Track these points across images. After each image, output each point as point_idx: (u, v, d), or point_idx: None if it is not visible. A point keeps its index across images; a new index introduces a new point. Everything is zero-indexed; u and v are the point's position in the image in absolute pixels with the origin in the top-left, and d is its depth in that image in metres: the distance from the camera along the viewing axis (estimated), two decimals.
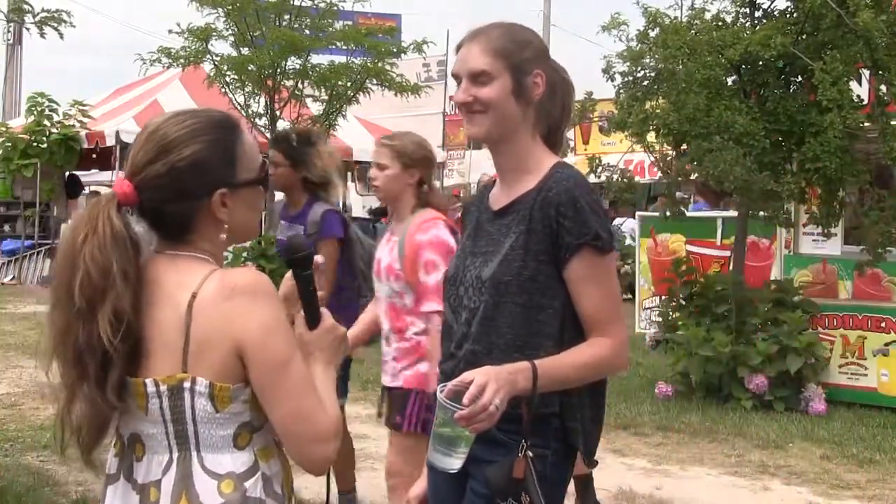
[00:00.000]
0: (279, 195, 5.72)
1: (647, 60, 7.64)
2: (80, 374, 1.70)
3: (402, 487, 3.63)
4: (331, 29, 13.18)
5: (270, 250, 9.93)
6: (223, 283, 1.71)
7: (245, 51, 12.58)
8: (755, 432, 6.56)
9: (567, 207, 2.12)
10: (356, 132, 17.80)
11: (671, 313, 8.12)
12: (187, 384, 1.70)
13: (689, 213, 9.52)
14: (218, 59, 12.53)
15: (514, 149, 2.25)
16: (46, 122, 16.93)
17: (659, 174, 8.31)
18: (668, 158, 8.04)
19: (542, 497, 2.06)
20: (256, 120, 12.55)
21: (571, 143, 18.06)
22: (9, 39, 29.97)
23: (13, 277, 16.93)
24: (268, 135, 11.75)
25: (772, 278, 8.28)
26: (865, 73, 7.12)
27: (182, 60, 12.43)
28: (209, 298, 1.70)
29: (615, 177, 7.96)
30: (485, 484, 2.11)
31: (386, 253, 3.70)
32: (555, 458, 2.17)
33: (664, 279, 8.57)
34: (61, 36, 31.09)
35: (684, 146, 7.50)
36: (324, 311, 1.90)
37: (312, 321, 1.87)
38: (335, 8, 13.02)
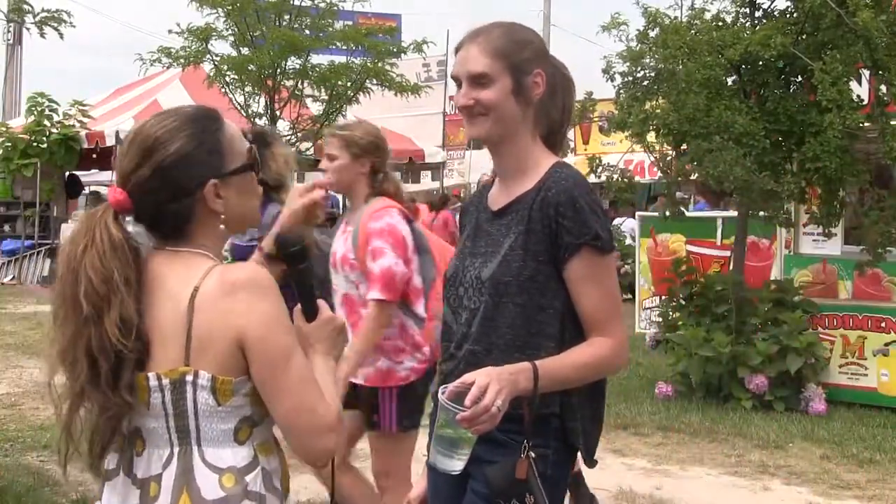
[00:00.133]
0: None
1: (647, 60, 7.64)
2: (93, 378, 1.71)
3: (394, 487, 3.63)
4: (331, 29, 13.19)
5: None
6: (224, 278, 1.73)
7: (245, 51, 12.59)
8: (755, 432, 6.56)
9: (566, 207, 2.12)
10: None
11: (671, 313, 8.12)
12: (189, 377, 1.71)
13: (689, 213, 9.53)
14: (218, 59, 12.54)
15: (514, 149, 2.25)
16: (46, 122, 16.95)
17: (659, 174, 8.30)
18: (668, 158, 8.04)
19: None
20: (256, 120, 12.55)
21: (571, 144, 18.07)
22: (9, 39, 30.00)
23: (13, 277, 16.94)
24: None
25: (772, 278, 8.27)
26: (865, 73, 7.11)
27: (182, 60, 12.44)
28: (211, 293, 1.71)
29: (615, 177, 7.95)
30: (485, 484, 2.11)
31: (341, 244, 3.66)
32: (555, 458, 2.17)
33: (664, 279, 8.57)
34: (61, 36, 31.16)
35: (684, 146, 7.49)
36: (321, 302, 1.92)
37: (310, 313, 1.90)
38: (335, 8, 13.03)
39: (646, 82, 7.72)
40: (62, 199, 17.79)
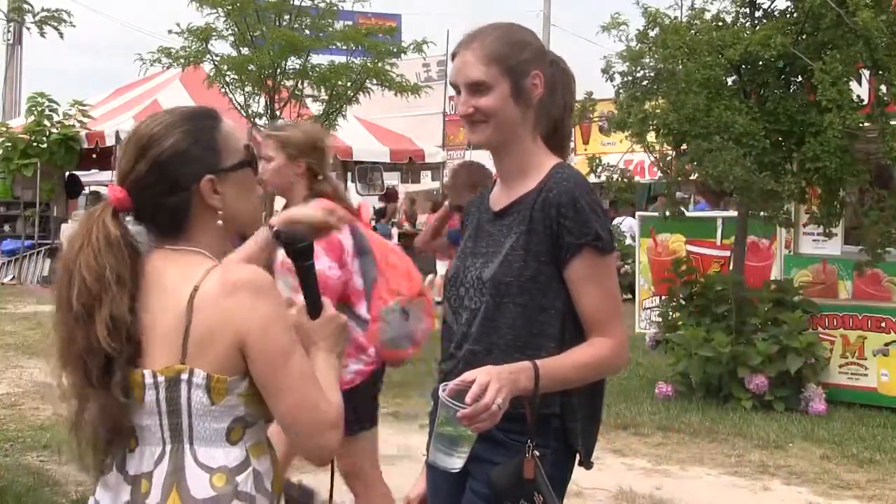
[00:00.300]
0: None
1: (647, 60, 7.64)
2: (86, 378, 1.73)
3: (364, 493, 3.62)
4: (331, 29, 13.17)
5: None
6: (225, 278, 1.74)
7: (245, 51, 12.57)
8: (755, 432, 6.56)
9: (567, 208, 2.12)
10: (356, 132, 17.81)
11: (671, 313, 8.12)
12: (185, 376, 1.73)
13: (689, 213, 9.53)
14: (218, 59, 12.52)
15: (515, 151, 2.25)
16: (46, 122, 16.94)
17: (659, 174, 8.30)
18: (668, 158, 8.04)
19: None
20: (256, 120, 12.54)
21: (571, 144, 18.07)
22: (9, 39, 30.01)
23: (13, 277, 16.94)
24: None
25: (772, 278, 8.27)
26: (865, 73, 7.11)
27: (182, 60, 12.41)
28: (211, 293, 1.73)
29: (615, 177, 7.95)
30: (488, 485, 2.11)
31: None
32: (555, 458, 2.17)
33: (664, 279, 8.57)
34: (61, 35, 31.18)
35: (684, 146, 7.49)
36: (325, 300, 1.93)
37: (314, 310, 1.92)
38: (335, 8, 13.00)
39: (645, 82, 7.72)
40: (62, 199, 17.79)
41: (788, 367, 7.16)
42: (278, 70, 12.43)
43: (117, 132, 15.44)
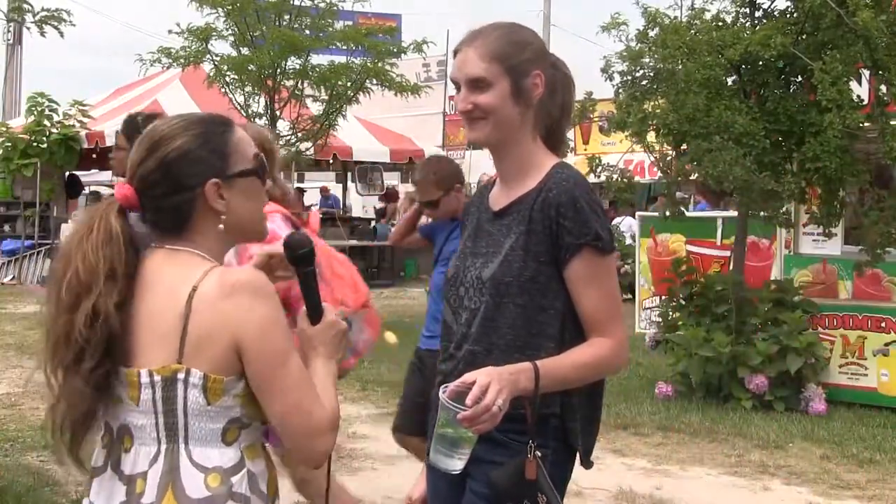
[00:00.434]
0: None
1: (647, 60, 7.64)
2: (56, 365, 1.74)
3: (321, 496, 3.60)
4: (331, 29, 13.17)
5: None
6: (224, 280, 1.75)
7: (245, 51, 12.57)
8: (755, 432, 6.56)
9: (567, 208, 2.12)
10: (356, 132, 17.82)
11: (671, 313, 8.12)
12: (181, 375, 1.73)
13: (689, 213, 9.53)
14: (218, 59, 12.52)
15: (514, 151, 2.25)
16: (46, 122, 16.95)
17: (659, 174, 8.30)
18: (668, 158, 8.04)
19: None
20: (256, 120, 12.54)
21: (571, 144, 18.07)
22: (9, 39, 30.02)
23: (13, 277, 16.94)
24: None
25: (772, 278, 8.28)
26: (865, 73, 7.11)
27: (182, 60, 12.42)
28: (209, 294, 1.73)
29: (615, 177, 7.95)
30: (488, 486, 2.11)
31: (231, 252, 3.61)
32: (555, 458, 2.17)
33: (664, 279, 8.57)
34: (61, 35, 31.18)
35: (684, 146, 7.50)
36: (326, 306, 1.93)
37: (315, 316, 1.92)
38: (335, 8, 13.00)
39: (645, 82, 7.72)
40: (62, 199, 17.79)
41: (788, 367, 7.16)
42: (278, 70, 12.44)
43: (117, 132, 15.41)
